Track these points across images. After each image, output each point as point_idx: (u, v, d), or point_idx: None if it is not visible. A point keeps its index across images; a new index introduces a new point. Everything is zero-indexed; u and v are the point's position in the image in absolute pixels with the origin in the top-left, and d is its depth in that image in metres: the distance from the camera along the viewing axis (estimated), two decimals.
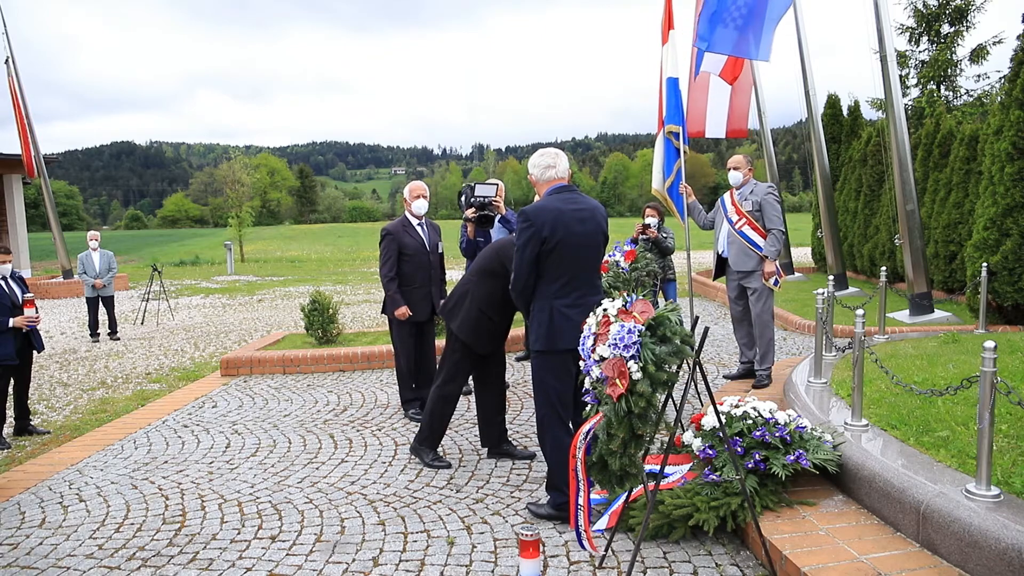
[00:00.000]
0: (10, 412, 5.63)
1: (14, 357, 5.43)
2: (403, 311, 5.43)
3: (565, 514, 3.53)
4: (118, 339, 10.30)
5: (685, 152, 6.32)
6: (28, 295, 5.60)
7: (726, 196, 6.00)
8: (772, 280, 5.70)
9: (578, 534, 3.13)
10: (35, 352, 5.72)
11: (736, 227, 5.78)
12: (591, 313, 3.21)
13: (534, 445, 4.75)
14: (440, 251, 5.76)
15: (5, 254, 5.59)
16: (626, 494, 3.34)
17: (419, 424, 5.47)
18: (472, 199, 5.61)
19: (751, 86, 12.03)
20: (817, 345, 4.98)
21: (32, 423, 5.75)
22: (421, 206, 5.57)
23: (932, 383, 4.35)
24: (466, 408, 5.73)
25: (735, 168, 5.90)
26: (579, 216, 3.54)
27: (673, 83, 6.33)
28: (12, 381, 5.59)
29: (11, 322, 5.39)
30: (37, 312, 5.60)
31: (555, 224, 3.47)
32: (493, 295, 4.23)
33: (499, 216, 6.01)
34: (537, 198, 3.76)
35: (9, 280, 5.57)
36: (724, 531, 3.34)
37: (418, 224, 5.61)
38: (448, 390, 4.45)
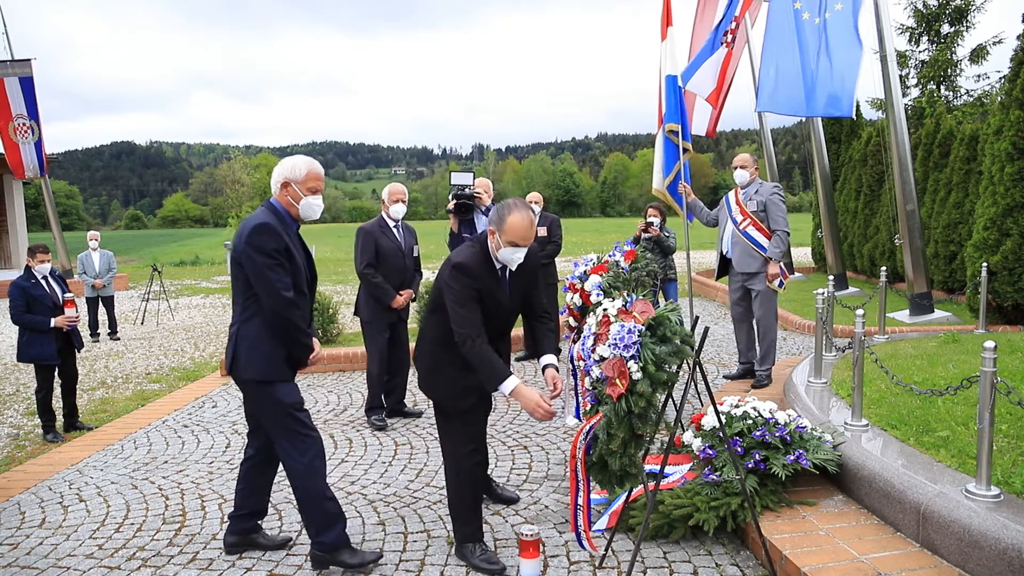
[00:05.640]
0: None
1: (56, 357, 5.50)
2: (400, 301, 5.40)
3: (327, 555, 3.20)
4: (118, 339, 10.30)
5: (687, 150, 6.29)
6: (68, 295, 5.63)
7: (730, 195, 5.90)
8: (776, 282, 5.61)
9: (578, 535, 3.13)
10: (76, 351, 5.76)
11: (741, 227, 5.70)
12: (591, 314, 3.21)
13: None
14: (416, 254, 5.65)
15: (44, 253, 5.63)
16: (626, 494, 3.34)
17: (373, 426, 5.34)
18: (450, 188, 5.68)
19: (729, 88, 12.06)
20: (817, 345, 4.98)
21: (79, 419, 5.80)
22: (399, 210, 5.45)
23: (932, 383, 4.35)
24: None
25: (742, 167, 5.75)
26: None
27: (672, 80, 6.34)
28: (60, 380, 5.65)
29: (52, 322, 5.41)
30: (77, 311, 5.64)
31: None
32: (446, 334, 3.20)
33: (483, 208, 6.02)
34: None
35: (50, 279, 5.59)
36: (724, 531, 3.34)
37: (394, 226, 5.50)
38: (461, 466, 3.31)
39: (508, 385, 3.04)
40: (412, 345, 4.15)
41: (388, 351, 5.56)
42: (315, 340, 3.39)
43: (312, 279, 3.39)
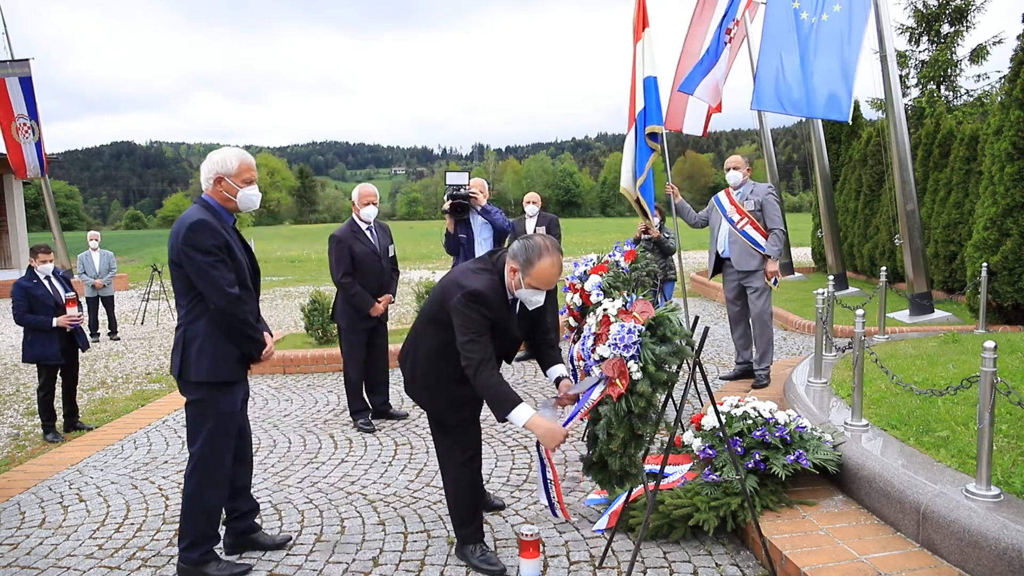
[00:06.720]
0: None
1: (59, 356, 5.52)
2: (378, 307, 5.35)
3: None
4: (118, 339, 10.30)
5: (656, 150, 6.26)
6: (70, 294, 5.64)
7: (722, 196, 6.02)
8: (773, 279, 5.74)
9: (550, 505, 3.19)
10: (80, 351, 5.77)
11: (738, 227, 5.80)
12: (591, 313, 3.21)
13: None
14: (391, 254, 5.56)
15: (46, 253, 5.65)
16: (626, 494, 3.34)
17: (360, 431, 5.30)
18: (445, 188, 5.66)
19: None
20: (817, 345, 4.98)
21: (79, 419, 5.80)
22: (371, 212, 5.33)
23: (932, 383, 4.35)
24: None
25: (735, 168, 5.91)
26: None
27: (651, 82, 6.29)
28: (61, 379, 5.66)
29: (54, 322, 5.42)
30: (80, 311, 5.63)
31: None
32: (444, 347, 3.08)
33: (479, 208, 6.01)
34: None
35: (52, 279, 5.61)
36: (724, 531, 3.34)
37: (367, 228, 5.37)
38: (461, 471, 3.30)
39: (520, 417, 2.83)
40: (394, 347, 3.99)
41: (369, 354, 5.51)
42: (267, 335, 3.32)
43: (255, 274, 3.32)
